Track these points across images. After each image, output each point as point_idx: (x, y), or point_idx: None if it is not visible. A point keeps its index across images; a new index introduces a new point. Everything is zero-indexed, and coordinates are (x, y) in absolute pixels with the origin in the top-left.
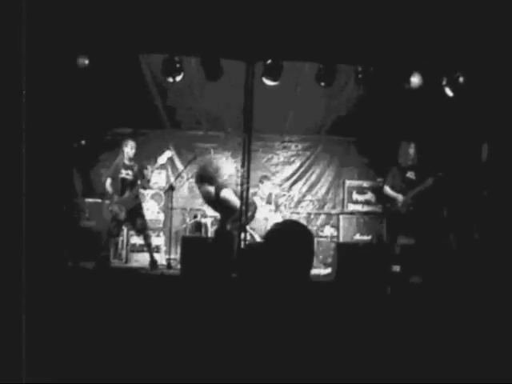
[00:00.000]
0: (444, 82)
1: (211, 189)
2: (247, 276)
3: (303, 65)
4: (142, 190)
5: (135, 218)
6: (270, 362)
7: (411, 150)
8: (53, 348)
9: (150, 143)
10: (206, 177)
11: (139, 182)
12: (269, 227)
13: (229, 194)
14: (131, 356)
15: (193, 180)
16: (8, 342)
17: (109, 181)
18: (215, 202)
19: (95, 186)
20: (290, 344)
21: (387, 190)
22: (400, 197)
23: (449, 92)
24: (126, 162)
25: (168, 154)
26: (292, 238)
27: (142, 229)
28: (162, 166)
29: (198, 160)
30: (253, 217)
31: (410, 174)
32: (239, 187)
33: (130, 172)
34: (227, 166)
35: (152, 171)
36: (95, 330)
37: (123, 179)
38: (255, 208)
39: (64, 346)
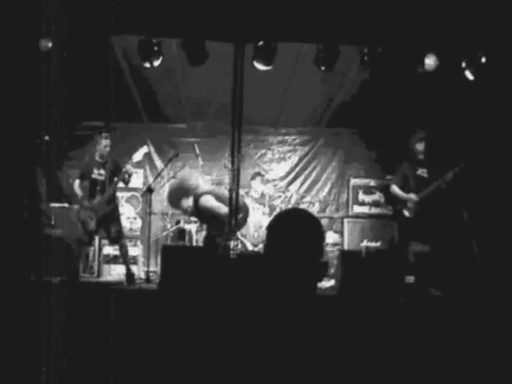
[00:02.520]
0: (463, 64)
1: (190, 201)
2: (238, 291)
3: (300, 46)
4: (118, 193)
5: (109, 225)
6: None
7: (422, 144)
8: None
9: (125, 139)
10: (179, 193)
11: (115, 180)
12: (262, 233)
13: (209, 201)
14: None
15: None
16: None
17: (77, 181)
18: (198, 212)
19: (62, 189)
20: (289, 368)
21: (395, 189)
22: (412, 196)
23: (469, 75)
24: (98, 158)
25: (144, 149)
26: (298, 234)
27: (117, 237)
28: (139, 164)
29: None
30: (245, 221)
31: (422, 172)
32: (225, 189)
33: (102, 171)
34: (199, 180)
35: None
36: (63, 354)
37: (94, 180)
38: (247, 211)
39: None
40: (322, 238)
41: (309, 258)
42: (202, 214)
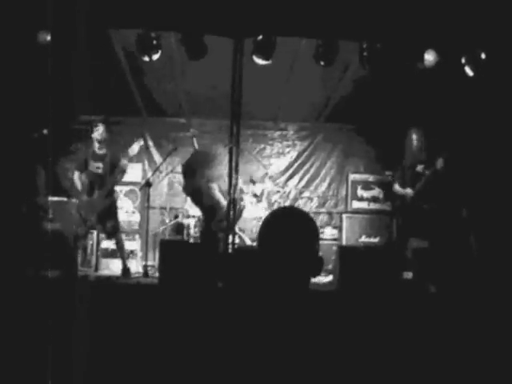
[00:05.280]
0: (463, 60)
1: (198, 181)
2: (236, 285)
3: (299, 41)
4: (115, 187)
5: (106, 219)
6: None
7: (421, 141)
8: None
9: (123, 133)
10: (194, 168)
11: (113, 176)
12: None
13: (214, 190)
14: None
15: (175, 174)
16: None
17: (77, 174)
18: (199, 197)
19: (60, 182)
20: (285, 363)
21: (396, 187)
22: (408, 191)
23: (469, 71)
24: (97, 149)
25: (140, 142)
26: (292, 230)
27: (113, 232)
28: (137, 158)
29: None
30: (240, 215)
31: (421, 168)
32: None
33: (100, 165)
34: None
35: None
36: (60, 350)
37: (92, 174)
38: (242, 205)
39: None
40: (317, 233)
41: (304, 252)
42: (202, 199)
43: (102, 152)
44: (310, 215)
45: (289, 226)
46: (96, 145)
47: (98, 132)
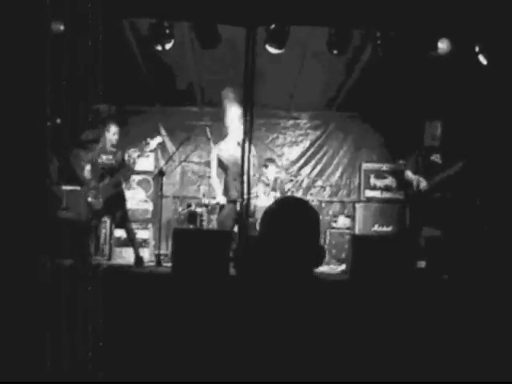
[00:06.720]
0: (477, 49)
1: None
2: (248, 273)
3: (312, 30)
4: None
5: (114, 209)
6: (272, 375)
7: (437, 130)
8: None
9: (136, 123)
10: None
11: (120, 173)
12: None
13: None
14: (117, 369)
15: (188, 163)
16: None
17: (88, 167)
18: None
19: (74, 172)
20: (297, 351)
21: (409, 174)
22: (421, 180)
23: (483, 60)
24: (109, 147)
25: (158, 139)
26: (293, 220)
27: (122, 222)
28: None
29: None
30: (252, 216)
31: (435, 157)
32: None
33: (110, 157)
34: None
35: (139, 155)
36: (73, 338)
37: (103, 165)
38: (256, 196)
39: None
40: (318, 223)
41: (304, 242)
42: None
43: (113, 149)
44: (312, 205)
45: (289, 216)
46: (110, 142)
47: (112, 130)
